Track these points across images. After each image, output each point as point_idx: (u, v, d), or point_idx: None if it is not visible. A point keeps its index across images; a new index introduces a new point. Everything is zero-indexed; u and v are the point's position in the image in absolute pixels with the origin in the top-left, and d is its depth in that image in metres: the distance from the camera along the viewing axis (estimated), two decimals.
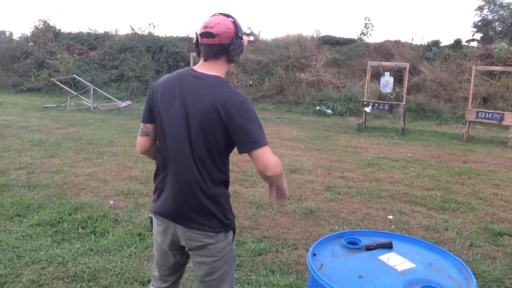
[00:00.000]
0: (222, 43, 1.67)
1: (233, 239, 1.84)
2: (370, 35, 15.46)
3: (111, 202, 4.36)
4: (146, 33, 16.90)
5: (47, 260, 3.10)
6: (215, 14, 1.73)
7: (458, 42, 14.08)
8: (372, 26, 15.35)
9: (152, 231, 1.96)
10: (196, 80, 1.70)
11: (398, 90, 11.93)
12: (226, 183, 1.85)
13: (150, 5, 43.17)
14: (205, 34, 1.68)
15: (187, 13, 45.70)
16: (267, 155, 1.65)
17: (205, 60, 1.73)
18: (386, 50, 14.52)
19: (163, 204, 1.79)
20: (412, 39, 15.11)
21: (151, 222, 1.92)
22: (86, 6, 41.30)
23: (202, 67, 1.74)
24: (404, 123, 9.59)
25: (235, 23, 1.71)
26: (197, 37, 1.73)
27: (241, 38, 1.72)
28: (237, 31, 1.70)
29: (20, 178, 5.09)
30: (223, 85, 1.69)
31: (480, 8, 26.00)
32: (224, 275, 1.81)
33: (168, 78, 1.77)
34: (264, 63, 14.89)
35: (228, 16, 1.73)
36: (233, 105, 1.64)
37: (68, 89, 13.35)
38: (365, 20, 15.52)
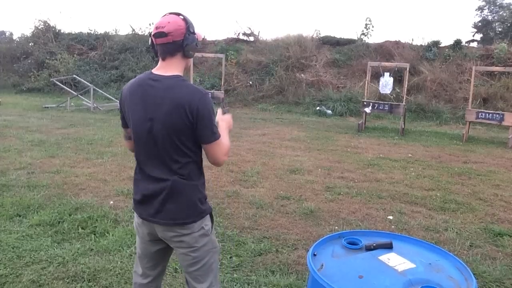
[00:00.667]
0: (175, 41, 1.74)
1: (211, 229, 1.92)
2: (371, 35, 15.45)
3: (111, 202, 4.37)
4: (146, 33, 16.90)
5: (47, 260, 3.10)
6: (165, 14, 1.80)
7: (458, 42, 14.07)
8: (373, 26, 15.36)
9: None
10: (155, 83, 1.77)
11: (398, 91, 11.92)
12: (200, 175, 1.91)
13: (150, 5, 43.17)
14: (158, 34, 1.74)
15: (187, 13, 45.58)
16: (222, 145, 1.82)
17: (163, 59, 1.80)
18: (386, 50, 14.52)
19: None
20: (412, 39, 15.05)
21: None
22: (86, 6, 41.29)
23: (161, 68, 1.81)
24: (404, 124, 9.59)
25: (185, 19, 1.77)
26: (151, 39, 1.80)
27: (194, 33, 1.78)
28: (188, 27, 1.76)
29: (20, 178, 5.09)
30: (181, 85, 1.76)
31: (480, 9, 25.99)
32: (208, 266, 1.89)
33: (132, 83, 1.85)
34: (264, 64, 14.89)
35: (178, 14, 1.79)
36: (193, 102, 1.71)
37: (68, 89, 13.36)
38: (365, 20, 15.54)
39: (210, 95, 1.80)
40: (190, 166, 1.80)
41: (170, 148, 1.75)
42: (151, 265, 2.00)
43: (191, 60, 1.88)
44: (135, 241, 3.39)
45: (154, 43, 1.78)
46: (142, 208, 1.87)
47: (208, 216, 1.89)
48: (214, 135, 1.78)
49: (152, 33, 1.76)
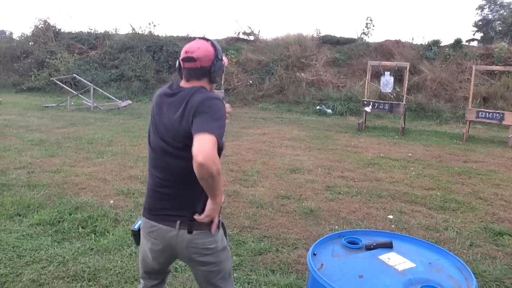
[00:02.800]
0: (203, 66, 1.77)
1: (225, 235, 1.92)
2: (371, 34, 15.46)
3: (111, 201, 4.37)
4: (146, 33, 16.90)
5: (47, 259, 3.10)
6: (195, 39, 1.84)
7: (458, 41, 14.07)
8: (373, 26, 15.36)
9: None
10: (175, 93, 1.79)
11: (398, 90, 11.92)
12: None
13: (150, 5, 43.14)
14: (186, 59, 1.77)
15: (187, 13, 45.72)
16: (206, 140, 1.59)
17: (187, 81, 1.81)
18: (386, 49, 14.52)
19: None
20: (413, 38, 15.13)
21: (135, 235, 1.99)
22: (86, 6, 41.29)
23: (184, 84, 1.82)
24: (404, 123, 9.59)
25: (214, 46, 1.81)
26: (179, 62, 1.82)
27: (221, 60, 1.83)
28: (216, 54, 1.80)
29: (20, 178, 5.09)
30: (198, 91, 1.74)
31: (481, 8, 26.00)
32: (227, 272, 1.91)
33: (158, 93, 1.88)
34: (264, 63, 14.89)
35: (207, 40, 1.83)
36: (200, 103, 1.69)
37: (68, 88, 13.36)
38: (366, 20, 15.54)
39: (222, 102, 1.75)
40: None
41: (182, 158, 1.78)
42: (159, 273, 2.02)
43: (214, 85, 1.90)
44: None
45: (182, 66, 1.80)
46: None
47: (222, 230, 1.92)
48: (210, 128, 1.62)
49: (181, 57, 1.79)
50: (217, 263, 1.85)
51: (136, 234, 1.95)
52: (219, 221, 1.84)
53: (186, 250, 1.80)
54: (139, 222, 1.94)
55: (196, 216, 1.74)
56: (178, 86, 1.81)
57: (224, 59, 1.87)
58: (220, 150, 1.68)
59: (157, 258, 1.90)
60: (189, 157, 1.58)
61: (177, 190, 1.77)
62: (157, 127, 1.81)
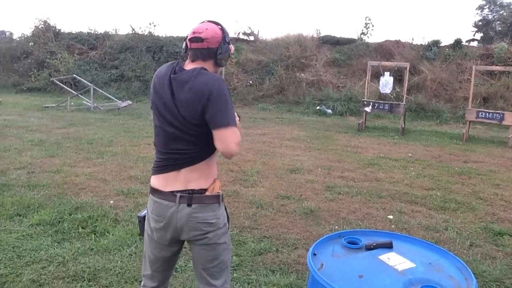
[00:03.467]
0: (210, 47, 1.78)
1: (228, 227, 1.93)
2: (371, 35, 15.46)
3: (111, 201, 4.37)
4: (146, 33, 16.90)
5: (47, 259, 3.10)
6: (203, 21, 1.84)
7: (458, 42, 14.07)
8: (373, 26, 15.36)
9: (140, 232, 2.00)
10: (177, 74, 1.78)
11: (398, 90, 11.92)
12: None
13: (150, 5, 43.16)
14: (194, 39, 1.78)
15: (187, 13, 45.73)
16: (234, 135, 1.72)
17: (193, 61, 1.82)
18: (386, 50, 14.51)
19: None
20: (412, 39, 15.12)
21: (140, 222, 1.98)
22: (86, 6, 41.30)
23: (189, 65, 1.82)
24: (404, 123, 9.59)
25: (222, 29, 1.82)
26: (186, 43, 1.83)
27: (228, 43, 1.83)
28: (224, 36, 1.81)
29: (20, 178, 5.09)
30: (199, 73, 1.74)
31: (481, 8, 26.01)
32: (224, 263, 1.91)
33: (157, 73, 1.87)
34: (264, 63, 14.88)
35: (216, 23, 1.83)
36: (210, 92, 1.70)
37: (68, 89, 13.35)
38: (365, 20, 15.54)
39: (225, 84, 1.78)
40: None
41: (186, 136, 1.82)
42: (163, 269, 2.00)
43: (222, 69, 1.91)
44: (135, 241, 3.41)
45: (189, 47, 1.81)
46: None
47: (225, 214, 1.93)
48: (228, 120, 1.71)
49: (188, 37, 1.80)
50: (215, 245, 1.85)
51: (141, 221, 1.97)
52: (222, 197, 1.87)
53: (186, 226, 1.81)
54: (146, 211, 1.97)
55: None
56: (181, 67, 1.81)
57: (231, 46, 1.88)
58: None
59: (162, 239, 1.89)
60: (191, 141, 1.74)
61: (179, 170, 1.79)
62: (157, 107, 1.82)
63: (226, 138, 1.69)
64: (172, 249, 1.94)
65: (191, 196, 1.78)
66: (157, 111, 1.82)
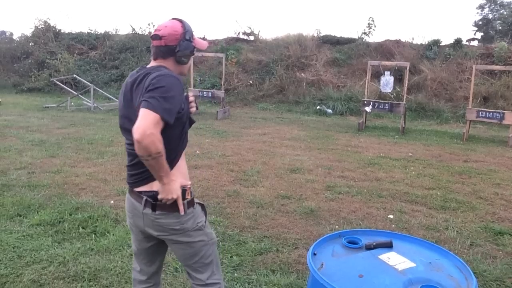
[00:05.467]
0: (168, 45, 1.77)
1: (205, 220, 1.92)
2: (372, 35, 15.44)
3: (112, 202, 4.37)
4: (146, 33, 16.90)
5: (47, 260, 3.10)
6: (169, 19, 1.86)
7: (458, 41, 14.06)
8: (375, 26, 15.35)
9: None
10: (137, 72, 1.79)
11: (399, 90, 11.92)
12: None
13: (150, 5, 43.17)
14: (153, 37, 1.79)
15: (187, 13, 45.73)
16: (148, 117, 1.55)
17: (154, 59, 1.82)
18: (386, 49, 14.50)
19: None
20: (413, 38, 15.11)
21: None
22: (86, 6, 41.31)
23: (150, 64, 1.83)
24: (404, 123, 9.58)
25: (183, 26, 1.79)
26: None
27: (189, 41, 1.79)
28: (184, 34, 1.78)
29: (21, 178, 5.09)
30: (155, 70, 1.73)
31: (481, 7, 26.01)
32: (206, 258, 1.91)
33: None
34: (264, 63, 14.88)
35: (179, 20, 1.82)
36: (151, 80, 1.65)
37: (68, 89, 13.36)
38: (368, 20, 15.54)
39: (178, 80, 1.71)
40: None
41: None
42: (147, 261, 2.03)
43: (186, 66, 1.86)
44: None
45: (152, 44, 1.84)
46: None
47: (201, 211, 1.91)
48: (154, 104, 1.57)
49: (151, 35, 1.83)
50: (189, 244, 1.85)
51: None
52: (192, 202, 1.84)
53: (153, 228, 1.83)
54: None
55: (158, 196, 1.75)
56: (142, 67, 1.82)
57: (201, 42, 1.85)
58: (182, 129, 1.75)
59: (137, 233, 1.94)
60: None
61: (142, 169, 1.75)
62: (120, 106, 1.85)
63: (140, 117, 1.55)
64: (149, 242, 1.96)
65: (155, 203, 1.77)
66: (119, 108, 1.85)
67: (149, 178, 1.76)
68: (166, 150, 1.62)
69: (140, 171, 1.78)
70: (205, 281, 1.92)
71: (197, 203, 1.90)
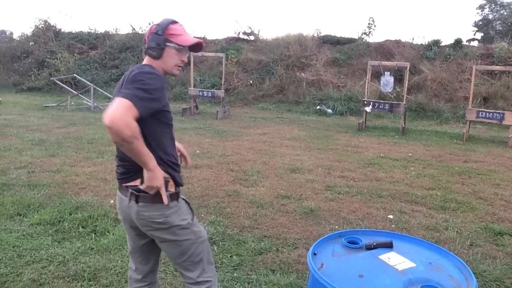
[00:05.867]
0: (146, 43, 1.85)
1: (192, 218, 1.91)
2: (372, 35, 15.45)
3: (112, 201, 4.37)
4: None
5: (47, 259, 3.10)
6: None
7: (458, 41, 14.06)
8: (375, 26, 15.36)
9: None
10: (128, 71, 1.83)
11: (399, 90, 11.92)
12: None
13: (150, 5, 43.17)
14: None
15: (187, 13, 45.72)
16: (120, 105, 1.55)
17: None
18: (386, 49, 14.51)
19: None
20: (413, 38, 15.13)
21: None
22: (86, 6, 41.31)
23: None
24: (404, 123, 9.58)
25: (159, 23, 1.82)
26: None
27: (158, 34, 1.79)
28: (156, 29, 1.80)
29: (21, 177, 5.09)
30: (137, 67, 1.77)
31: (481, 7, 26.02)
32: (195, 256, 1.91)
33: None
34: (264, 63, 14.88)
35: (164, 19, 1.88)
36: (131, 76, 1.70)
37: (68, 88, 13.35)
38: (369, 20, 15.55)
39: (158, 76, 1.73)
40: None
41: None
42: (142, 260, 2.04)
43: (168, 63, 1.82)
44: None
45: None
46: None
47: (187, 209, 1.91)
48: (128, 94, 1.58)
49: None
50: (176, 242, 1.86)
51: None
52: (176, 195, 1.84)
53: (138, 222, 1.85)
54: None
55: (141, 186, 1.77)
56: (134, 66, 1.89)
57: (185, 38, 1.82)
58: (165, 121, 1.78)
59: (129, 230, 1.98)
60: None
61: (129, 165, 1.81)
62: None
63: (111, 105, 1.56)
64: (143, 239, 1.97)
65: (138, 195, 1.79)
66: None
67: (137, 174, 1.80)
68: (150, 145, 1.71)
69: (127, 167, 1.84)
70: (195, 279, 1.93)
71: (182, 198, 1.90)
